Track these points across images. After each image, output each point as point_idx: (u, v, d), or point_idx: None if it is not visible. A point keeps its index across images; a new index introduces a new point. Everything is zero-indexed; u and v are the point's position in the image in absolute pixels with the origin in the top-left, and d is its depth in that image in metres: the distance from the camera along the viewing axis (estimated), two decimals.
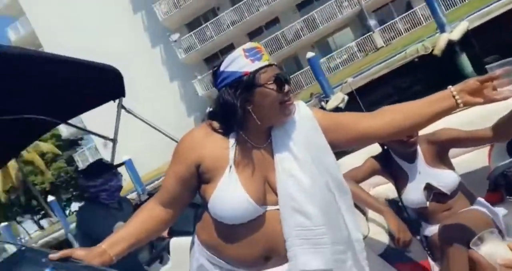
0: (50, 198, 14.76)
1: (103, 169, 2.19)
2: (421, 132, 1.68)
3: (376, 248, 1.52)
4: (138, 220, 1.17)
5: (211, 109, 1.16)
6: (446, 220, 1.58)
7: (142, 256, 2.71)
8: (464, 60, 8.75)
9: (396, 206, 2.09)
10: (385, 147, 1.82)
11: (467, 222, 1.48)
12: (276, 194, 1.12)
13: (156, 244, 2.72)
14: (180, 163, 1.14)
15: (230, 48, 19.01)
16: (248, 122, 1.10)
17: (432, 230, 1.73)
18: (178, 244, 2.05)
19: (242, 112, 1.07)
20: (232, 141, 1.12)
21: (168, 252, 2.22)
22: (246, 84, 1.07)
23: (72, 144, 28.49)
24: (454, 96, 1.07)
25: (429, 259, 1.69)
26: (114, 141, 2.55)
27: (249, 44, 1.11)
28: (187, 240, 2.05)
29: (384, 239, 1.58)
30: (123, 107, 2.30)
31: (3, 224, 15.84)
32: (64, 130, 23.42)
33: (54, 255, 1.04)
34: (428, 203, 1.69)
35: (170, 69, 20.99)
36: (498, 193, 1.92)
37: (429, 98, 1.14)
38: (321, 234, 1.09)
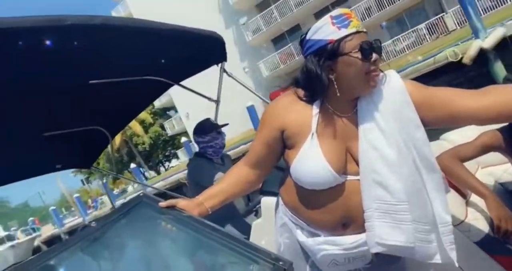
0: (133, 165, 17.33)
1: (210, 127, 2.41)
2: None
3: (473, 234, 1.39)
4: (229, 178, 1.27)
5: (296, 77, 1.16)
6: None
7: (240, 207, 2.96)
8: (499, 70, 7.14)
9: (505, 189, 1.84)
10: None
11: None
12: (357, 164, 1.11)
13: (251, 196, 2.93)
14: (266, 128, 1.18)
15: (297, 29, 18.86)
16: (331, 91, 1.08)
17: None
18: (268, 202, 2.18)
19: (326, 81, 1.05)
20: (315, 109, 1.12)
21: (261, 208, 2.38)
22: (330, 52, 1.04)
23: (163, 113, 31.70)
24: None
25: None
26: (217, 102, 2.73)
27: (337, 11, 1.06)
28: (274, 199, 2.19)
29: (484, 226, 1.43)
30: (225, 71, 2.42)
31: (133, 165, 19.26)
32: (156, 102, 25.85)
33: (163, 203, 1.21)
34: None
35: (240, 51, 21.20)
36: None
37: None
38: (403, 210, 1.05)
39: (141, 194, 1.28)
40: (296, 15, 19.22)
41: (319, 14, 19.13)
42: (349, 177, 1.11)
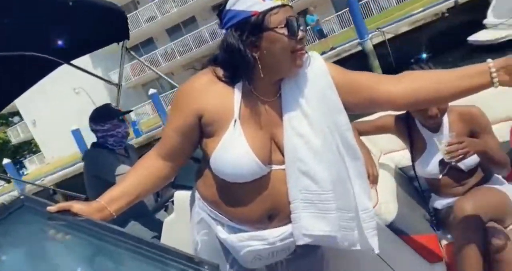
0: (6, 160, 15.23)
1: (110, 114, 2.10)
2: (456, 103, 1.52)
3: (383, 218, 1.43)
4: (138, 173, 1.09)
5: (215, 54, 1.03)
6: (462, 196, 1.47)
7: (148, 203, 2.71)
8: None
9: (407, 175, 1.99)
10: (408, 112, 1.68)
11: (487, 201, 1.38)
12: (282, 153, 1.03)
13: (161, 192, 2.71)
14: (181, 113, 1.03)
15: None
16: (255, 72, 0.97)
17: (442, 203, 1.63)
18: (182, 197, 2.01)
19: (250, 59, 0.94)
20: (237, 92, 1.00)
21: (173, 203, 2.19)
22: (253, 26, 0.92)
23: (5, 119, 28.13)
24: (491, 73, 0.91)
25: (437, 232, 1.61)
26: (119, 85, 2.42)
27: None
28: (188, 193, 2.02)
29: (393, 209, 1.49)
30: (127, 50, 2.14)
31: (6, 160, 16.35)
32: None
33: (52, 207, 0.97)
34: (440, 176, 1.57)
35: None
36: None
37: (461, 71, 0.97)
38: (328, 199, 1.01)
39: (21, 197, 1.01)
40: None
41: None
42: (274, 167, 1.02)
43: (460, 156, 1.34)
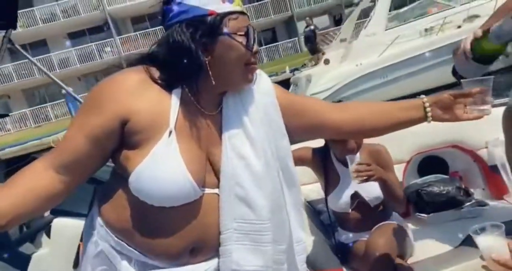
0: None
1: None
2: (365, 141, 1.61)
3: None
4: (15, 190, 0.79)
5: (152, 51, 0.86)
6: (374, 232, 1.51)
7: (11, 232, 2.16)
8: None
9: (313, 208, 2.01)
10: (326, 144, 1.71)
11: (395, 237, 1.44)
12: (216, 175, 0.88)
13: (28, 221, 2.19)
14: (99, 115, 0.80)
15: None
16: (200, 78, 0.83)
17: (349, 237, 1.66)
18: (62, 225, 1.63)
19: (199, 62, 0.80)
20: (175, 99, 0.83)
21: (47, 234, 1.76)
22: (209, 26, 0.79)
23: None
24: (425, 108, 0.95)
25: (342, 266, 1.61)
26: None
27: None
28: (74, 222, 1.65)
29: (310, 244, 1.44)
30: (10, 41, 1.74)
31: None
32: None
33: None
34: (350, 210, 1.61)
35: None
36: (407, 209, 1.98)
37: (399, 104, 1.01)
38: (264, 230, 0.88)
39: None
40: None
41: None
42: (207, 190, 0.86)
43: (365, 177, 1.42)
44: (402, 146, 2.03)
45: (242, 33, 0.82)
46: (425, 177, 2.05)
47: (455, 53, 1.12)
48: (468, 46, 1.06)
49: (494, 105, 0.98)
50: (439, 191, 1.85)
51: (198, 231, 0.85)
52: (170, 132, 0.80)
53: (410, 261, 1.61)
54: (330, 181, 1.65)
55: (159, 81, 0.83)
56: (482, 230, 0.81)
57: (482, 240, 0.80)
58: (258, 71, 0.93)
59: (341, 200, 1.59)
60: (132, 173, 0.79)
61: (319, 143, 1.78)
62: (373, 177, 1.44)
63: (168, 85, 0.83)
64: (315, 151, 1.71)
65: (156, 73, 0.83)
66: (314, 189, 2.02)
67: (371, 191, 1.58)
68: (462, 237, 1.68)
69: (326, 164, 1.67)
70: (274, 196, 0.90)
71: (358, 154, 1.56)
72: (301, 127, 0.99)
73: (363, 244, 1.53)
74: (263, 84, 0.94)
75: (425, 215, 1.87)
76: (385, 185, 1.51)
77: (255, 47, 0.86)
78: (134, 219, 0.83)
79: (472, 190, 1.93)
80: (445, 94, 0.95)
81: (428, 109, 0.94)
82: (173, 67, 0.81)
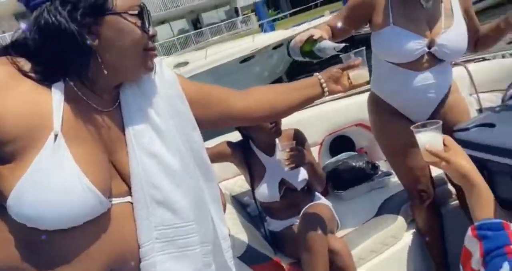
0: None
1: None
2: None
3: (236, 249, 1.28)
4: None
5: (17, 38, 0.66)
6: (304, 216, 1.50)
7: None
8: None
9: (239, 202, 1.94)
10: (245, 136, 1.64)
11: (324, 216, 1.45)
12: (125, 181, 0.73)
13: None
14: None
15: None
16: (87, 69, 0.66)
17: (279, 225, 1.63)
18: None
19: (85, 47, 0.64)
20: (57, 95, 0.65)
21: None
22: (92, 3, 0.64)
23: None
24: (321, 84, 1.00)
25: (277, 255, 1.57)
26: None
27: None
28: None
29: (244, 239, 1.36)
30: None
31: None
32: None
33: None
34: (279, 198, 1.58)
35: None
36: (326, 187, 2.04)
37: (297, 83, 1.03)
38: (190, 233, 0.76)
39: None
40: None
41: None
42: (115, 200, 0.70)
43: (296, 163, 1.41)
44: (314, 129, 2.08)
45: (135, 12, 0.68)
46: (337, 156, 2.15)
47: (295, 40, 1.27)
48: (304, 38, 1.20)
49: None
50: (352, 167, 1.95)
51: (112, 250, 0.69)
52: (56, 136, 0.62)
53: (337, 236, 1.65)
54: (255, 172, 1.59)
55: (32, 75, 0.64)
56: (424, 126, 0.86)
57: (421, 135, 0.85)
58: (157, 59, 0.80)
59: (270, 190, 1.55)
60: (9, 194, 0.59)
61: (236, 136, 1.71)
62: (304, 161, 1.43)
63: (45, 79, 0.65)
64: (234, 144, 1.63)
65: (26, 65, 0.64)
66: (237, 183, 1.95)
67: (297, 175, 1.57)
68: (377, 205, 1.80)
69: (248, 156, 1.60)
70: (195, 194, 0.79)
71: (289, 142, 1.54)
72: (212, 117, 0.90)
73: (295, 228, 1.52)
74: (165, 75, 0.81)
75: (342, 191, 1.96)
76: (311, 167, 1.51)
77: (152, 30, 0.72)
78: (25, 253, 0.63)
79: (377, 163, 2.09)
80: (333, 69, 1.01)
81: (324, 85, 1.00)
82: (50, 56, 0.63)
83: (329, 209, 1.60)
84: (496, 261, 0.65)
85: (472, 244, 0.73)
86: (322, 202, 1.63)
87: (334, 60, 1.13)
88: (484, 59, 2.22)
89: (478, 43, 1.46)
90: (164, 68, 0.83)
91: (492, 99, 2.09)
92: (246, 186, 1.88)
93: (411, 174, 1.50)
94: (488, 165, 1.24)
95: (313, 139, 2.05)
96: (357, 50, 1.04)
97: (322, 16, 12.45)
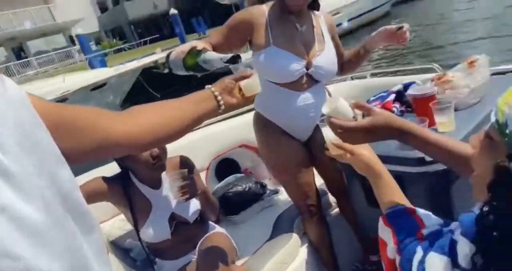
0: None
1: None
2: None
3: None
4: None
5: None
6: (200, 252, 1.33)
7: None
8: None
9: (120, 247, 1.64)
10: (124, 167, 1.39)
11: (224, 247, 1.32)
12: None
13: None
14: None
15: None
16: None
17: (172, 266, 1.42)
18: None
19: None
20: None
21: None
22: None
23: None
24: (216, 97, 0.88)
25: None
26: None
27: None
28: None
29: None
30: None
31: None
32: None
33: None
34: (170, 235, 1.38)
35: None
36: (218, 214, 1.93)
37: (189, 98, 0.88)
38: None
39: None
40: None
41: None
42: None
43: (190, 194, 1.28)
44: (199, 154, 1.97)
45: None
46: (225, 179, 2.08)
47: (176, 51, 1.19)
48: (185, 49, 1.12)
49: None
50: (242, 189, 1.90)
51: None
52: None
53: (238, 264, 1.55)
54: (139, 210, 1.35)
55: None
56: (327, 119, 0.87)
57: (327, 130, 0.84)
58: None
59: (159, 228, 1.34)
60: None
61: (113, 169, 1.45)
62: (198, 191, 1.29)
63: None
64: (110, 179, 1.37)
65: None
66: (115, 225, 1.66)
67: (188, 206, 1.41)
68: (271, 224, 1.77)
69: (129, 192, 1.36)
70: (71, 253, 0.58)
71: (167, 184, 1.35)
72: (81, 149, 0.68)
73: (193, 266, 1.34)
74: (12, 93, 0.59)
75: (235, 216, 1.87)
76: (203, 196, 1.38)
77: None
78: None
79: (264, 182, 2.10)
80: (226, 79, 0.92)
81: (219, 97, 0.88)
82: None
83: (226, 237, 1.48)
84: (410, 248, 0.66)
85: (385, 233, 0.73)
86: (217, 231, 1.50)
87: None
88: (339, 80, 2.53)
89: (343, 67, 1.61)
90: (11, 87, 0.60)
91: None
92: (127, 227, 1.61)
93: (301, 190, 1.53)
94: None
95: (199, 164, 1.93)
96: (246, 61, 0.99)
97: (154, 53, 11.99)
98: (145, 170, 1.34)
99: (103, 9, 30.12)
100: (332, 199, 1.85)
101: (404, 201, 0.77)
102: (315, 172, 1.60)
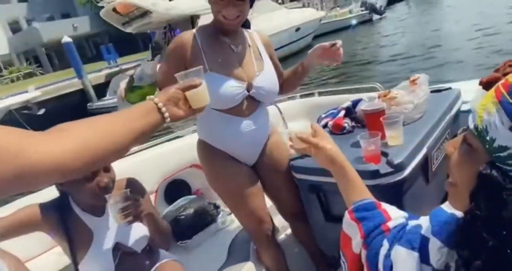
0: None
1: None
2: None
3: None
4: None
5: None
6: None
7: None
8: None
9: None
10: (62, 192, 1.22)
11: None
12: None
13: None
14: None
15: None
16: None
17: None
18: None
19: None
20: None
21: None
22: None
23: None
24: (159, 109, 0.79)
25: None
26: None
27: None
28: None
29: None
30: None
31: None
32: None
33: None
34: (114, 268, 1.23)
35: None
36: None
37: (128, 113, 0.78)
38: None
39: None
40: None
41: None
42: None
43: (134, 215, 1.17)
44: (147, 176, 1.83)
45: None
46: (175, 202, 1.95)
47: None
48: (122, 94, 1.09)
49: None
50: (195, 211, 1.79)
51: None
52: None
53: None
54: (78, 240, 1.19)
55: None
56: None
57: (292, 124, 0.83)
58: None
59: (101, 260, 1.18)
60: None
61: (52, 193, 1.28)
62: (143, 212, 1.16)
63: None
64: (46, 206, 1.20)
65: None
66: (50, 259, 1.45)
67: (134, 233, 1.27)
68: (226, 246, 1.68)
69: (67, 220, 1.20)
70: None
71: (112, 211, 1.20)
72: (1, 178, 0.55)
73: None
74: None
75: (188, 240, 1.75)
76: (152, 221, 1.25)
77: None
78: None
79: (217, 202, 2.01)
80: (171, 89, 0.83)
81: (164, 109, 0.79)
82: None
83: (179, 266, 1.35)
84: (376, 241, 0.66)
85: (351, 227, 0.72)
86: (169, 260, 1.37)
87: None
88: (289, 98, 2.57)
89: (284, 86, 1.57)
90: None
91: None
92: (64, 261, 1.41)
93: (254, 215, 1.44)
94: (323, 187, 1.34)
95: (147, 187, 1.79)
96: (193, 69, 0.88)
97: (26, 92, 10.13)
98: (88, 199, 1.19)
99: (16, 29, 26.72)
100: (283, 221, 1.80)
101: (369, 194, 0.77)
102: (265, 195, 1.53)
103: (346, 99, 1.79)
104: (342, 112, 1.62)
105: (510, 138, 0.41)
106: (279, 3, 20.21)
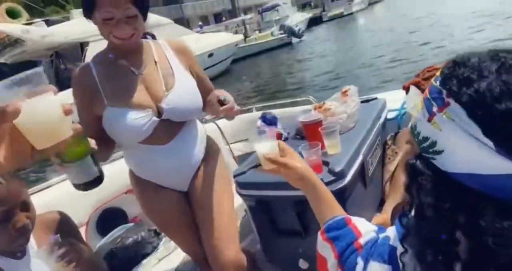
0: None
1: None
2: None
3: None
4: None
5: None
6: None
7: None
8: None
9: None
10: None
11: None
12: None
13: None
14: None
15: None
16: None
17: None
18: None
19: None
20: None
21: None
22: None
23: None
24: None
25: None
26: None
27: None
28: None
29: None
30: None
31: None
32: None
33: None
34: None
35: None
36: None
37: None
38: None
39: None
40: None
41: None
42: None
43: (75, 261, 1.01)
44: (76, 207, 1.64)
45: None
46: (110, 233, 1.77)
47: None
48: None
49: None
50: (133, 240, 1.64)
51: None
52: None
53: None
54: None
55: None
56: (260, 140, 0.84)
57: (259, 146, 0.82)
58: None
59: None
60: None
61: None
62: (86, 251, 1.01)
63: None
64: None
65: None
66: None
67: None
68: None
69: None
70: None
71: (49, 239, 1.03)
72: None
73: None
74: None
75: None
76: (87, 264, 1.09)
77: None
78: None
79: (157, 229, 1.87)
80: None
81: None
82: None
83: None
84: (351, 260, 0.65)
85: (324, 248, 0.70)
86: None
87: None
88: None
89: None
90: None
91: (241, 148, 2.39)
92: None
93: (195, 244, 1.34)
94: (270, 201, 1.32)
95: (76, 219, 1.59)
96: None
97: None
98: (5, 243, 1.00)
99: None
100: None
101: (340, 209, 0.76)
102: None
103: (283, 113, 1.83)
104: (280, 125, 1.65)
105: (429, 129, 0.46)
106: (200, 26, 19.51)
